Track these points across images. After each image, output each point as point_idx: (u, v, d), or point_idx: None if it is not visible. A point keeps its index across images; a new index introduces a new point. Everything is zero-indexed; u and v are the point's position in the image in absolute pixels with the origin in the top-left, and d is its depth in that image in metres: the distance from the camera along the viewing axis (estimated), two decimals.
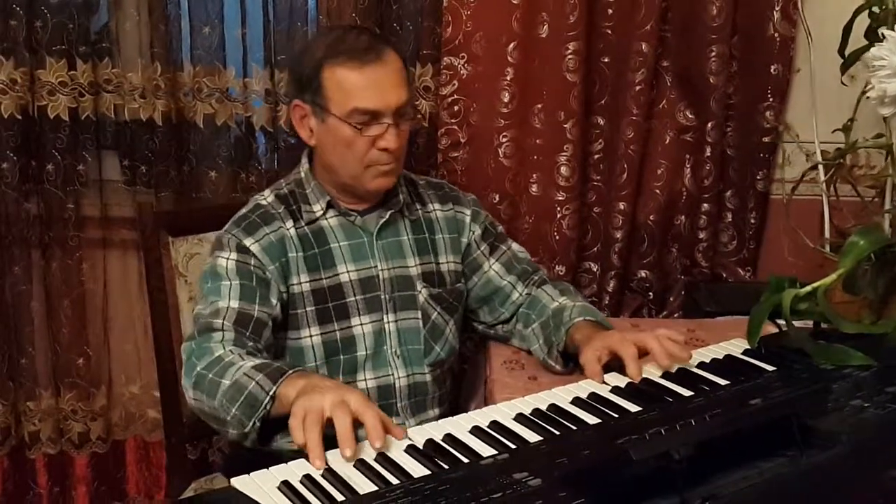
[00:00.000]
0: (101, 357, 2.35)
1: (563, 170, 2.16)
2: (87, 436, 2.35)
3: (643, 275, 2.28)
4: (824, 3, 1.94)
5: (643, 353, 1.51)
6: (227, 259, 1.65)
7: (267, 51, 2.18)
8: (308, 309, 1.68)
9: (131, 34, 2.19)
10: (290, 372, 1.43)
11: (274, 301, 1.65)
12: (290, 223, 1.70)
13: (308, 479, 1.15)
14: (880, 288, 1.56)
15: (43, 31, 2.13)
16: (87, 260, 2.30)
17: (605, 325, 1.69)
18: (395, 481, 1.13)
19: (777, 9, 2.13)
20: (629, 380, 1.44)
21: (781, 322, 1.58)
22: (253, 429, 1.44)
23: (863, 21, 1.76)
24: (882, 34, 1.35)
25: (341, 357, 1.70)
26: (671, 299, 2.30)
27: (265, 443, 1.48)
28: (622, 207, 2.20)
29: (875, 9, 1.71)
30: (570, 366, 1.68)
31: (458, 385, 1.99)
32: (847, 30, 1.78)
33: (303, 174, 1.76)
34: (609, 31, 2.15)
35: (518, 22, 2.09)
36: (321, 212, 1.72)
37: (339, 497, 1.11)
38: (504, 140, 2.15)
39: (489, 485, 1.07)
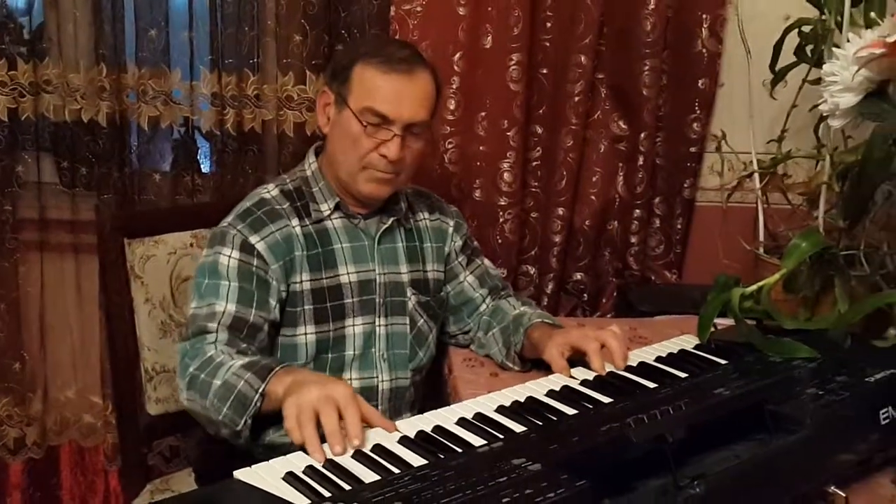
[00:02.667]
0: (36, 361, 2.31)
1: (505, 176, 2.24)
2: (22, 441, 2.32)
3: (578, 277, 2.38)
4: (755, 21, 2.06)
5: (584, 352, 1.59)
6: (230, 258, 1.66)
7: (214, 54, 2.19)
8: (306, 307, 1.70)
9: (74, 35, 2.17)
10: (278, 369, 1.46)
11: (273, 303, 1.67)
12: (295, 221, 1.72)
13: (311, 470, 1.19)
14: (816, 287, 1.69)
15: None
16: (24, 263, 2.27)
17: (555, 325, 1.77)
18: (395, 471, 1.18)
19: (705, 26, 2.26)
20: (595, 373, 1.53)
21: (716, 320, 1.70)
22: (245, 426, 1.47)
23: (792, 39, 1.91)
24: (831, 51, 1.48)
25: (329, 355, 1.73)
26: (604, 301, 2.41)
27: (257, 438, 1.51)
28: (561, 213, 2.30)
29: (804, 28, 1.86)
30: (528, 366, 1.76)
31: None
32: (778, 47, 1.92)
33: (309, 173, 1.78)
34: (548, 44, 2.24)
35: (464, 32, 2.16)
36: (329, 212, 1.75)
37: (346, 486, 1.15)
38: (449, 146, 2.22)
39: (492, 470, 1.13)
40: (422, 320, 1.83)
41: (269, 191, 1.76)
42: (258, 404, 1.44)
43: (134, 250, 1.86)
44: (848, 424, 1.32)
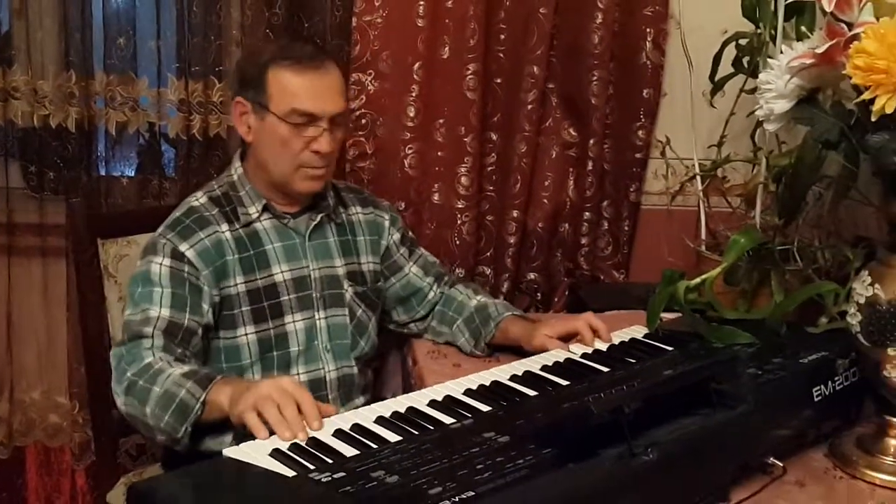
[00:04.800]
0: (2, 363, 2.35)
1: (463, 180, 2.34)
2: None
3: (532, 277, 2.50)
4: (695, 34, 2.20)
5: (573, 335, 1.75)
6: (161, 265, 1.71)
7: (181, 62, 2.26)
8: (244, 309, 1.76)
9: (41, 43, 2.22)
10: (218, 378, 1.54)
11: (206, 307, 1.72)
12: (224, 226, 1.78)
13: (296, 447, 1.28)
14: (754, 280, 1.82)
15: None
16: None
17: (527, 318, 1.91)
18: (374, 446, 1.27)
19: (649, 40, 2.39)
20: (555, 359, 1.64)
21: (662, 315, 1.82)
22: (185, 434, 1.53)
23: (730, 52, 2.05)
24: (766, 61, 1.62)
25: (275, 353, 1.79)
26: (556, 299, 2.52)
27: (194, 445, 1.58)
28: (515, 215, 2.41)
29: (741, 41, 2.00)
30: (492, 352, 1.90)
31: (377, 376, 2.13)
32: (717, 59, 2.06)
33: (236, 177, 1.84)
34: (502, 55, 2.35)
35: (423, 43, 2.26)
36: (257, 214, 1.80)
37: (329, 460, 1.24)
38: (409, 152, 2.31)
39: (465, 443, 1.23)
40: (360, 310, 1.90)
41: (198, 199, 1.81)
42: (199, 412, 1.51)
43: (107, 250, 1.93)
44: (785, 401, 1.45)
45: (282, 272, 1.81)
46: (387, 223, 1.99)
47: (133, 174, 2.34)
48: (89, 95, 2.24)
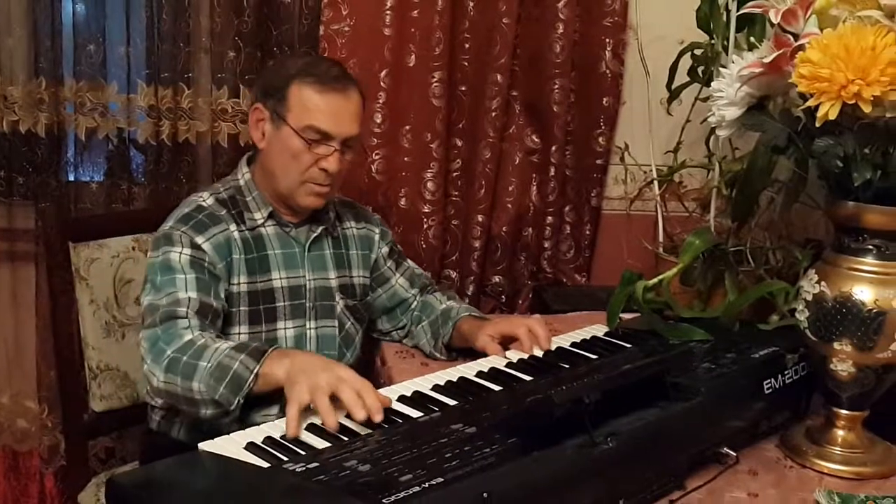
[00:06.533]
0: None
1: (429, 185, 2.40)
2: None
3: (497, 280, 2.56)
4: (653, 44, 2.28)
5: (514, 339, 1.77)
6: (181, 254, 1.74)
7: (151, 69, 2.29)
8: (242, 308, 1.80)
9: (11, 49, 2.24)
10: (271, 350, 1.57)
11: (223, 295, 1.77)
12: (233, 226, 1.82)
13: (270, 440, 1.32)
14: (709, 280, 1.90)
15: None
16: None
17: (483, 318, 1.94)
18: (345, 439, 1.32)
19: (608, 49, 2.46)
20: (519, 356, 1.70)
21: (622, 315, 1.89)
22: (238, 406, 1.56)
23: (686, 61, 2.13)
24: (719, 70, 1.70)
25: None
26: (520, 302, 2.58)
27: (242, 418, 1.60)
28: (480, 220, 2.47)
29: (696, 51, 2.08)
30: (454, 355, 1.93)
31: None
32: (673, 68, 2.14)
33: (243, 182, 1.88)
34: (466, 64, 2.42)
35: (389, 52, 2.32)
36: (262, 220, 1.85)
37: (301, 452, 1.28)
38: (376, 157, 2.37)
39: (434, 434, 1.28)
40: (349, 323, 1.95)
41: (205, 199, 1.85)
42: (252, 385, 1.54)
43: (79, 253, 1.95)
44: (737, 394, 1.52)
45: (280, 278, 1.85)
46: (377, 237, 2.05)
47: (102, 179, 2.36)
48: (59, 101, 2.27)
